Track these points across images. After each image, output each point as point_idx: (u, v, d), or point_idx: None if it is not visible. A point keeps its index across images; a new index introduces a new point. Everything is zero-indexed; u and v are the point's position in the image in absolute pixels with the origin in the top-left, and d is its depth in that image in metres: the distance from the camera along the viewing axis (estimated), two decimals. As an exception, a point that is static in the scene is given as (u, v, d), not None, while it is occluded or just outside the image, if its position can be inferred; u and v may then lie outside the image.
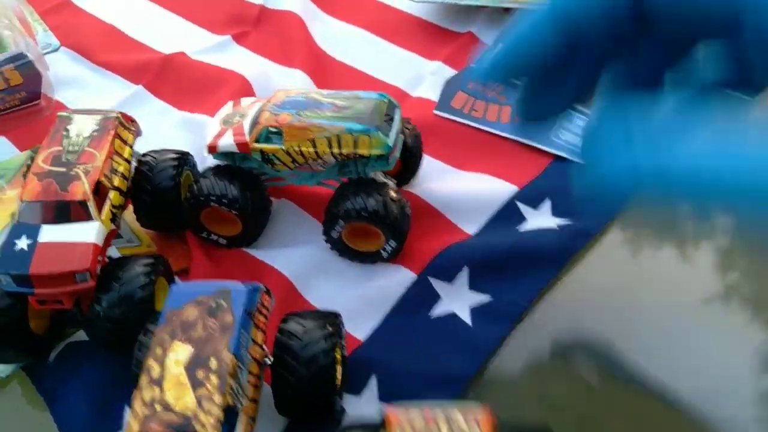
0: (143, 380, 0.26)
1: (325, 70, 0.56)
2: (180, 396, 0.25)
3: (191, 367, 0.26)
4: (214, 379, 0.26)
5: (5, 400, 0.35)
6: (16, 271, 0.32)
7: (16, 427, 0.34)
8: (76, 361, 0.36)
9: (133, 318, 0.33)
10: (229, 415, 0.26)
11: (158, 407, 0.25)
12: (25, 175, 0.45)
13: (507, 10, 0.58)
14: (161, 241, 0.42)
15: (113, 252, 0.41)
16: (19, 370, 0.36)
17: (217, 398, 0.25)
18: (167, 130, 0.50)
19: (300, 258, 0.41)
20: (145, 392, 0.25)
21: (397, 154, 0.39)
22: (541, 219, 0.43)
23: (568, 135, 0.47)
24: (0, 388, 0.36)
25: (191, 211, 0.40)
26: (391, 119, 0.39)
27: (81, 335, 0.37)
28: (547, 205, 0.44)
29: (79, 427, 0.34)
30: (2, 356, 0.34)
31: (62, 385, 0.35)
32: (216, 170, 0.40)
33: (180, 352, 0.26)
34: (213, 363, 0.26)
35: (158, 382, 0.26)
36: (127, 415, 0.25)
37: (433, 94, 0.53)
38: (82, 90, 0.55)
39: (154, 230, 0.42)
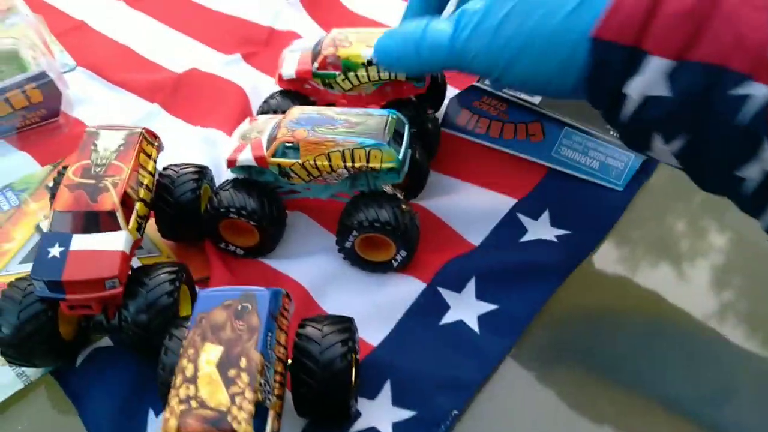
0: (178, 379, 0.27)
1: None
2: (213, 393, 0.27)
3: (223, 366, 0.28)
4: (244, 377, 0.27)
5: (34, 403, 0.37)
6: (49, 278, 0.33)
7: (45, 429, 0.36)
8: (102, 365, 0.38)
9: (159, 323, 0.35)
10: (260, 410, 0.27)
11: (194, 403, 0.26)
12: (48, 188, 0.47)
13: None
14: (180, 252, 0.44)
15: (134, 262, 0.42)
16: (47, 374, 0.37)
17: (249, 395, 0.27)
18: (182, 144, 0.52)
19: (314, 267, 0.43)
20: (181, 390, 0.27)
21: (406, 168, 0.41)
22: (540, 229, 0.45)
23: (567, 151, 0.49)
24: (29, 391, 0.37)
25: (210, 223, 0.41)
26: (401, 135, 0.41)
27: (106, 341, 0.39)
28: (545, 216, 0.46)
29: (106, 428, 0.35)
30: (33, 360, 0.36)
31: (89, 388, 0.37)
32: (234, 183, 0.42)
33: (211, 352, 0.28)
34: (243, 362, 0.28)
35: (192, 380, 0.27)
36: (164, 412, 0.27)
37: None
38: (99, 108, 0.57)
39: (175, 241, 0.44)
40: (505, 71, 0.34)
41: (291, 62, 0.50)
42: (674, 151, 0.31)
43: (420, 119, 0.47)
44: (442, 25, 0.37)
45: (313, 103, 0.49)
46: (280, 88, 0.50)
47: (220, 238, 0.43)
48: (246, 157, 0.41)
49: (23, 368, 0.37)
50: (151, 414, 0.36)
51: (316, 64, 0.48)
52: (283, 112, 0.46)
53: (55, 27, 0.66)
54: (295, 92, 0.50)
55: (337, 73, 0.47)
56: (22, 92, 0.53)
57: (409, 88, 0.49)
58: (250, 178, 0.42)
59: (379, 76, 0.47)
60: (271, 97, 0.49)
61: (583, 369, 0.38)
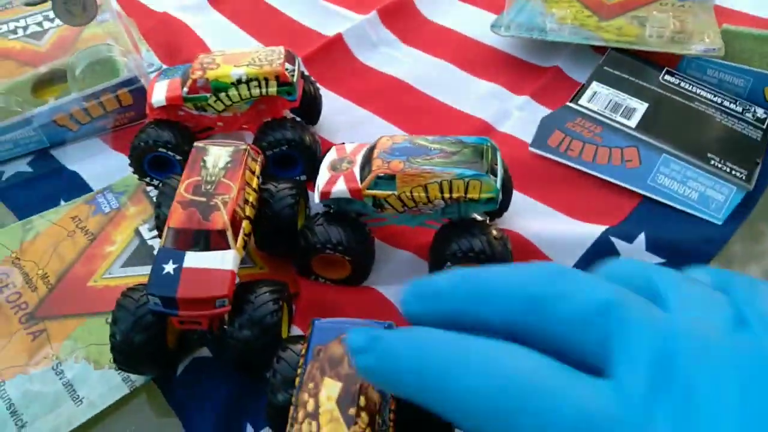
0: (300, 414, 0.28)
1: (410, 101, 0.58)
2: (336, 431, 0.27)
3: (342, 403, 0.28)
4: (364, 416, 0.28)
5: (140, 410, 0.38)
6: (165, 294, 0.34)
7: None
8: (201, 375, 0.39)
9: (261, 341, 0.36)
10: (378, 449, 0.27)
11: (317, 440, 0.27)
12: (146, 193, 0.48)
13: (592, 46, 0.59)
14: (272, 263, 0.45)
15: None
16: (151, 382, 0.39)
17: (369, 434, 0.27)
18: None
19: None
20: (304, 425, 0.27)
21: (501, 196, 0.41)
22: (635, 255, 0.44)
23: (664, 179, 0.48)
24: (134, 397, 0.38)
25: (304, 258, 0.42)
26: (496, 163, 0.40)
27: (204, 352, 0.40)
28: (641, 239, 0.45)
29: (207, 437, 0.36)
30: (139, 367, 0.37)
31: (190, 398, 0.38)
32: (326, 217, 0.41)
33: (331, 388, 0.29)
34: (362, 400, 0.28)
35: (314, 416, 0.28)
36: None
37: (521, 131, 0.54)
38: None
39: (270, 253, 0.45)
40: None
41: (160, 90, 0.49)
42: None
43: (301, 137, 0.47)
44: None
45: (189, 129, 0.49)
46: (151, 119, 0.49)
47: (310, 272, 0.43)
48: (340, 188, 0.41)
49: (129, 374, 0.39)
50: (249, 428, 0.37)
51: (185, 89, 0.47)
52: (164, 143, 0.46)
53: (141, 23, 0.67)
54: (169, 121, 0.48)
55: (208, 95, 0.47)
56: (115, 96, 0.54)
57: (283, 103, 0.49)
58: (339, 209, 0.42)
59: (250, 93, 0.47)
60: (146, 128, 0.48)
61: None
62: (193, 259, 0.35)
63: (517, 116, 0.56)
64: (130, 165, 0.49)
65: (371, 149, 0.41)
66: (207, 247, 0.36)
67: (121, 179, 0.51)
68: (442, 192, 0.39)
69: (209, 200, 0.37)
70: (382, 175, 0.39)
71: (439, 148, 0.40)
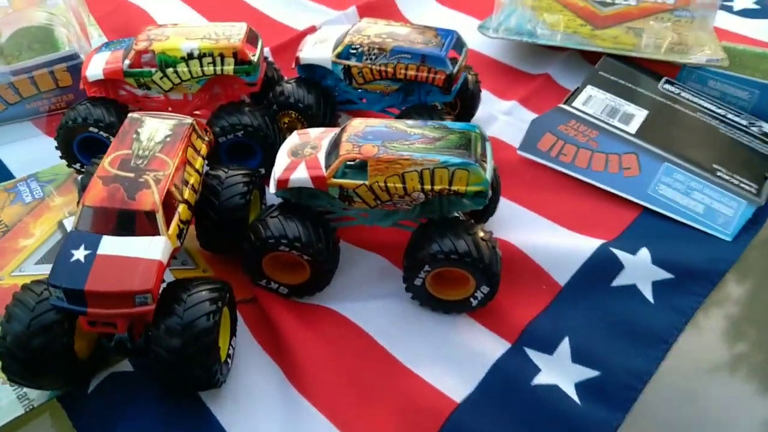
0: None
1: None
2: None
3: None
4: None
5: (35, 434, 0.30)
6: (69, 285, 0.27)
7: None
8: (120, 394, 0.32)
9: (194, 350, 0.29)
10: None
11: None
12: (77, 182, 0.42)
13: (584, 56, 0.56)
14: (218, 266, 0.38)
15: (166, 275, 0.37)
16: (54, 400, 0.31)
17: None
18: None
19: (377, 309, 0.36)
20: None
21: (491, 192, 0.35)
22: (640, 268, 0.39)
23: (666, 189, 0.43)
24: (31, 419, 0.31)
25: (254, 256, 0.35)
26: (485, 153, 0.35)
27: (125, 364, 0.33)
28: (644, 252, 0.39)
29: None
30: (39, 380, 0.30)
31: (103, 422, 0.30)
32: (282, 209, 0.35)
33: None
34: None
35: None
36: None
37: (507, 135, 0.49)
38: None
39: (215, 252, 0.38)
40: None
41: (98, 62, 0.41)
42: None
43: (260, 123, 0.40)
44: None
45: (128, 108, 0.42)
46: (88, 96, 0.42)
47: (261, 275, 0.36)
48: (301, 176, 0.34)
49: (26, 389, 0.31)
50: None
51: (127, 61, 0.40)
52: (96, 122, 0.39)
53: (96, 8, 0.62)
54: (107, 99, 0.41)
55: (154, 69, 0.40)
56: (50, 73, 0.48)
57: (241, 86, 0.42)
58: (299, 203, 0.36)
59: (202, 71, 0.41)
60: (77, 105, 0.40)
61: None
62: (111, 245, 0.29)
63: (504, 120, 0.51)
64: (57, 147, 0.42)
65: (340, 132, 0.36)
66: (131, 232, 0.29)
67: (50, 167, 0.44)
68: (422, 183, 0.33)
69: (138, 176, 0.31)
70: (351, 160, 0.33)
71: (420, 133, 0.35)
